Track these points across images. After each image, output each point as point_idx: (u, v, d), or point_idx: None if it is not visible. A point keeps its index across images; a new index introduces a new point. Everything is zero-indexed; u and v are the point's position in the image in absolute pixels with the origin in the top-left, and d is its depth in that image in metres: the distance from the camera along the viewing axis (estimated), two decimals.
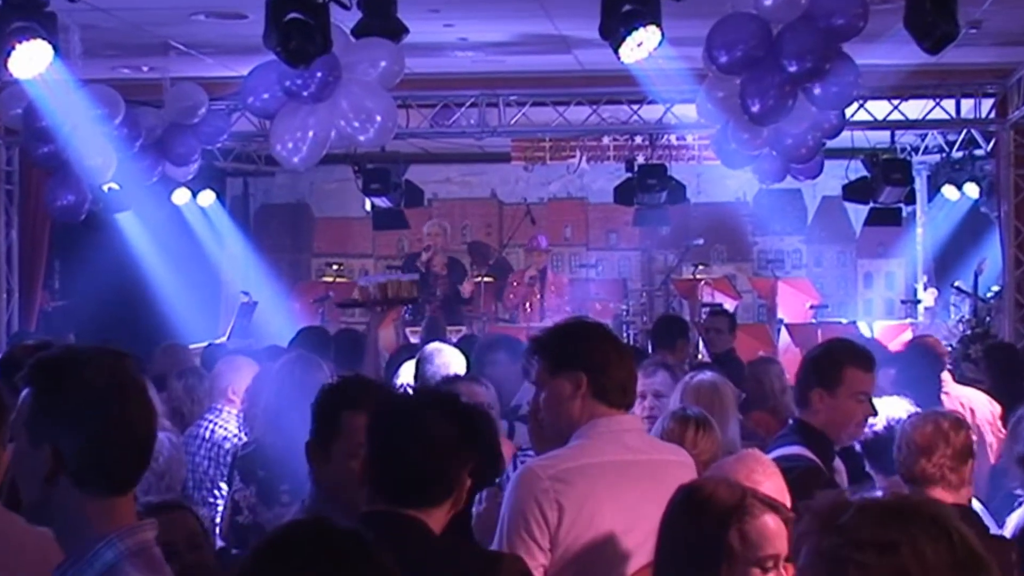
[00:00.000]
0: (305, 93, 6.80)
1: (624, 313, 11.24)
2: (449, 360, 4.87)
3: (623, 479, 2.59)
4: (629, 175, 10.46)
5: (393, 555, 1.39)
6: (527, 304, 10.75)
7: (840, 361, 3.32)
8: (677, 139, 11.61)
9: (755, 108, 7.04)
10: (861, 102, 9.46)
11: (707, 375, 4.12)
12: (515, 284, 10.89)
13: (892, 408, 3.63)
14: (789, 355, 8.66)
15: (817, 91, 7.14)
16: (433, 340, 6.02)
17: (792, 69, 6.80)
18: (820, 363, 3.34)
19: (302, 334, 6.31)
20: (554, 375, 2.65)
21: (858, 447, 3.60)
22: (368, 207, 10.96)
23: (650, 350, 6.73)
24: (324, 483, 2.55)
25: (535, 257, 10.97)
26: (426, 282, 10.20)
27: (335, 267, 12.06)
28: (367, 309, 9.07)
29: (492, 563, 2.30)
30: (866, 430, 3.48)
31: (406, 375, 5.26)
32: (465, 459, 2.25)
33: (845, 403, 3.29)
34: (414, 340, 8.57)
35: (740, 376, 5.58)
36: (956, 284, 11.09)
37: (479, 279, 11.21)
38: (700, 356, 9.23)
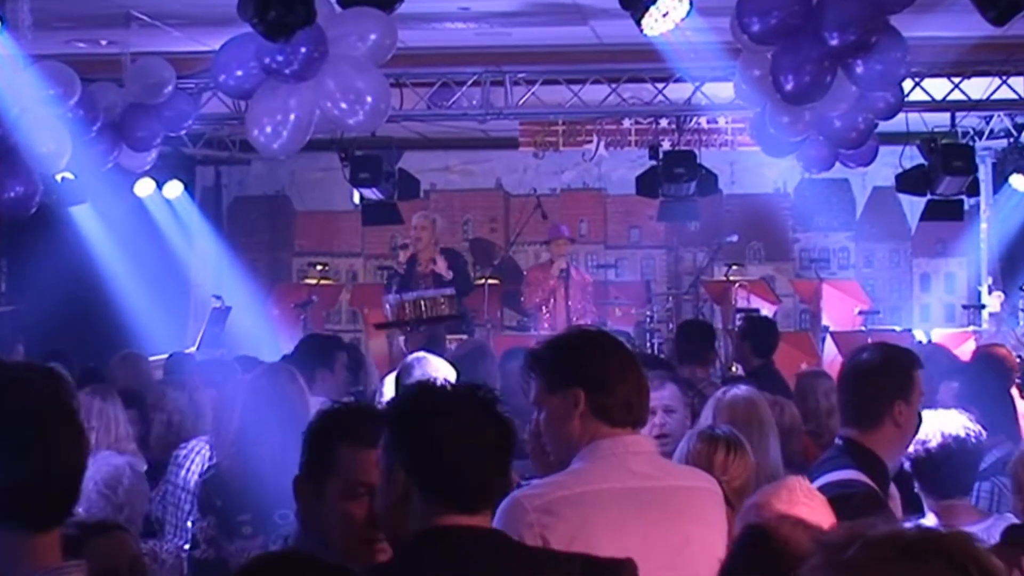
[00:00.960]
0: (287, 71, 6.81)
1: (648, 320, 11.27)
2: (434, 372, 4.90)
3: (626, 509, 2.57)
4: (653, 163, 10.48)
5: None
6: (550, 306, 10.70)
7: (908, 367, 3.31)
8: (708, 122, 11.61)
9: (788, 86, 7.02)
10: (917, 80, 9.45)
11: (742, 389, 4.09)
12: (538, 280, 10.74)
13: (946, 422, 3.59)
14: (834, 368, 8.64)
15: (860, 69, 7.09)
16: (431, 351, 6.04)
17: (833, 42, 6.75)
18: (895, 370, 3.30)
19: (306, 344, 6.36)
20: (551, 392, 2.67)
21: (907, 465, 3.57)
22: (357, 200, 10.99)
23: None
24: (313, 525, 2.47)
25: (558, 248, 10.77)
26: (405, 285, 10.10)
27: (319, 267, 12.08)
28: (405, 329, 9.14)
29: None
30: (916, 447, 3.46)
31: (388, 389, 5.31)
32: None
33: (916, 415, 3.30)
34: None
35: (780, 392, 5.57)
36: None
37: (483, 281, 11.24)
38: (734, 369, 9.25)
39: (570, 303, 10.53)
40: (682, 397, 4.47)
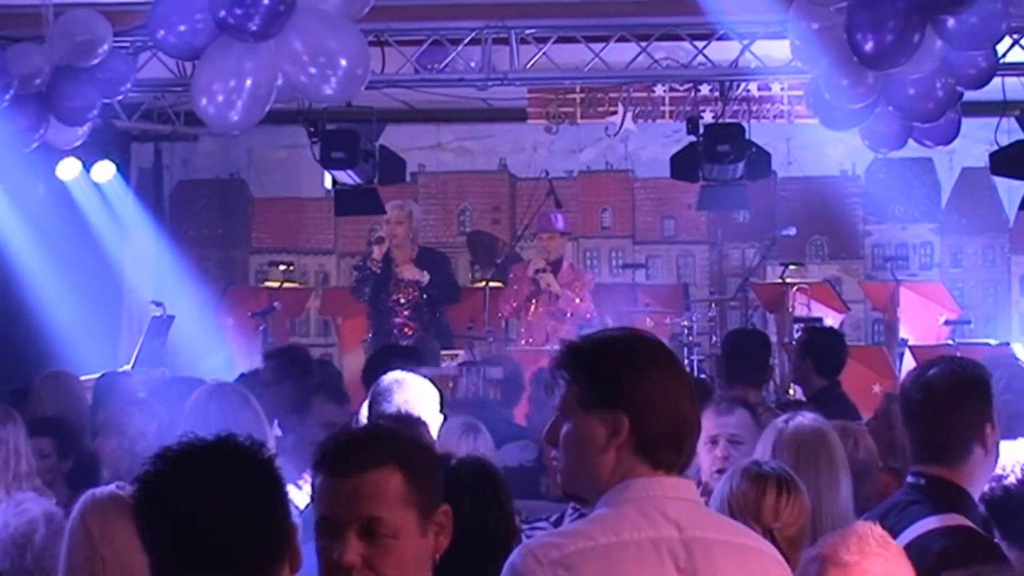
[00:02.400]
0: (245, 27, 6.82)
1: (685, 333, 11.29)
2: (413, 396, 4.91)
3: (659, 566, 2.52)
4: (692, 139, 10.48)
5: None
6: (525, 314, 10.76)
7: (986, 380, 3.39)
8: (759, 89, 11.62)
9: (868, 46, 7.03)
10: (1016, 38, 9.44)
11: (807, 418, 4.09)
12: (514, 284, 10.86)
13: None
14: None
15: (951, 23, 7.10)
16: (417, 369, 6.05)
17: None
18: (976, 387, 3.36)
19: (278, 358, 6.31)
20: (587, 409, 2.61)
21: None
22: (328, 184, 11.02)
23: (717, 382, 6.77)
24: None
25: (546, 243, 10.84)
26: (381, 288, 10.16)
27: (283, 268, 12.08)
28: None
29: None
30: (991, 484, 3.47)
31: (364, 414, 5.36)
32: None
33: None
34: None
35: (849, 419, 5.58)
36: None
37: (483, 285, 11.26)
38: (791, 391, 9.23)
39: (556, 314, 10.55)
40: (753, 427, 4.53)
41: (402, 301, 10.31)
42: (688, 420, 2.63)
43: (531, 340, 10.55)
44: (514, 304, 10.77)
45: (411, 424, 4.06)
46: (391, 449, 2.57)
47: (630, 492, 2.57)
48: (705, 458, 4.58)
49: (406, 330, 10.21)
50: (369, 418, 5.01)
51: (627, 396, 2.58)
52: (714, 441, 4.56)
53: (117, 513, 3.33)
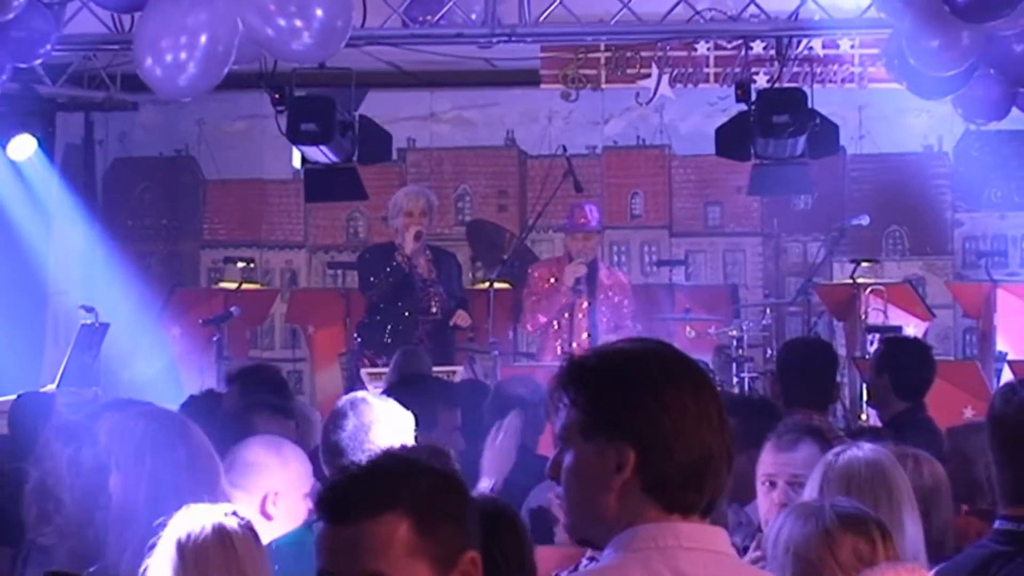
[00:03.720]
0: None
1: (733, 345, 11.29)
2: (378, 418, 4.94)
3: None
4: (742, 108, 10.48)
5: None
6: (557, 325, 10.86)
7: None
8: (825, 47, 11.62)
9: None
10: None
11: (864, 450, 4.13)
12: (538, 284, 10.94)
13: None
14: None
15: None
16: (409, 389, 6.04)
17: None
18: None
19: (245, 381, 6.31)
20: (587, 437, 2.63)
21: None
22: (297, 163, 11.00)
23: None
24: None
25: (578, 243, 10.97)
26: (412, 292, 10.35)
27: (241, 265, 12.12)
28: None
29: None
30: None
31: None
32: None
33: None
34: None
35: (934, 451, 5.57)
36: None
37: (486, 286, 11.29)
38: (864, 416, 9.21)
39: (596, 322, 10.71)
40: None
41: (434, 309, 10.57)
42: (712, 454, 2.61)
43: (561, 353, 10.54)
44: (543, 319, 10.85)
45: (434, 456, 4.10)
46: (396, 490, 2.58)
47: (636, 541, 2.57)
48: (762, 502, 4.61)
49: (425, 338, 10.39)
50: (325, 442, 5.05)
51: (633, 424, 2.58)
52: (772, 482, 4.57)
53: None
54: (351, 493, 2.58)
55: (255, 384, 7.03)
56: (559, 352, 10.60)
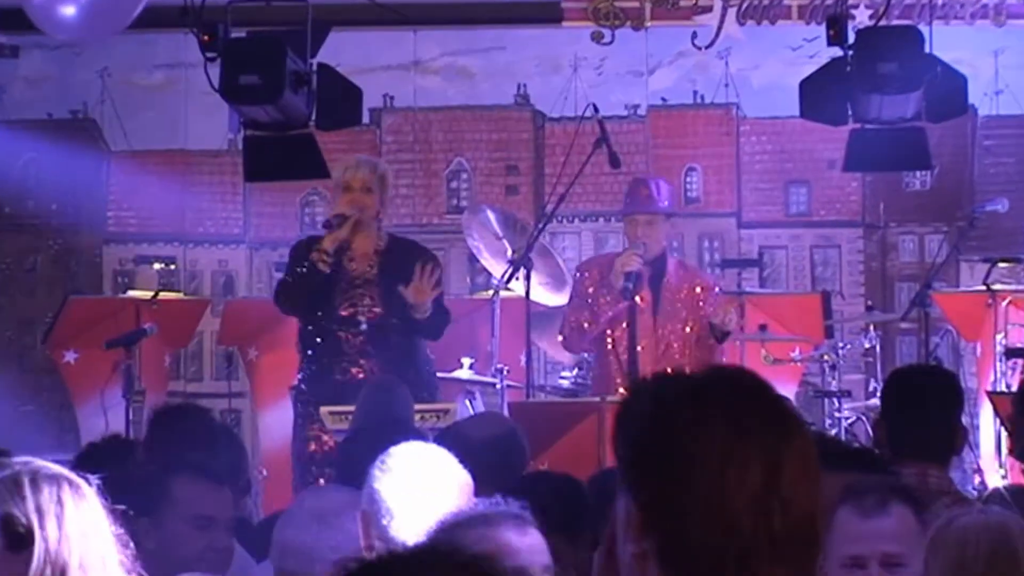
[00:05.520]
0: None
1: (825, 373, 11.35)
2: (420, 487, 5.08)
3: None
4: (836, 54, 10.49)
5: None
6: (611, 343, 10.81)
7: None
8: None
9: None
10: None
11: (988, 514, 4.11)
12: (586, 291, 10.90)
13: None
14: None
15: None
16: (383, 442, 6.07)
17: None
18: None
19: (168, 424, 6.31)
20: (621, 489, 2.81)
21: None
22: (234, 129, 11.00)
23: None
24: None
25: (637, 228, 10.86)
26: (328, 299, 10.23)
27: (158, 266, 12.26)
28: None
29: None
30: None
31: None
32: None
33: None
34: None
35: None
36: None
37: (488, 295, 11.41)
38: (1004, 472, 9.19)
39: (662, 339, 10.65)
40: (920, 533, 4.58)
41: (359, 320, 10.36)
42: (746, 530, 2.68)
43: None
44: (588, 330, 10.75)
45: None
46: None
47: None
48: None
49: (355, 371, 10.20)
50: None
51: (649, 482, 2.73)
52: (859, 564, 4.59)
53: None
54: None
55: (177, 432, 7.01)
56: (617, 382, 10.58)
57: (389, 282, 10.28)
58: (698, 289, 10.84)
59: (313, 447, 10.07)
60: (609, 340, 10.76)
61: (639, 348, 10.66)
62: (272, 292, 10.87)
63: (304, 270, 10.29)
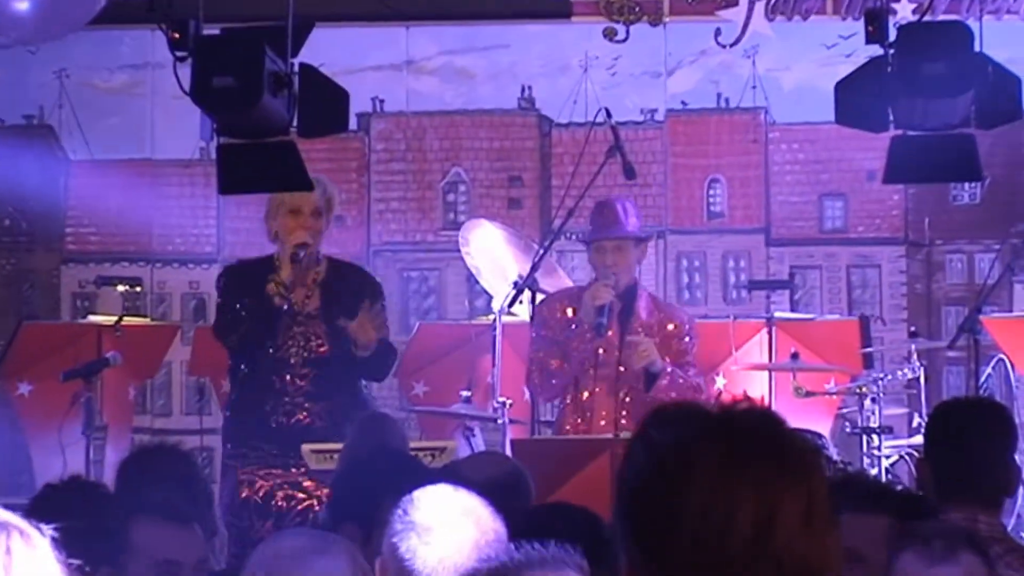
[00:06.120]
0: None
1: (864, 405, 11.35)
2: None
3: None
4: (875, 52, 10.50)
5: None
6: (577, 393, 10.84)
7: None
8: None
9: None
10: None
11: None
12: (550, 326, 10.92)
13: None
14: None
15: None
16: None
17: None
18: None
19: (143, 466, 6.34)
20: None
21: None
22: (207, 136, 11.02)
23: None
24: None
25: (606, 256, 10.85)
26: (272, 336, 10.27)
27: (122, 288, 12.31)
28: None
29: None
30: None
31: None
32: None
33: None
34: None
35: None
36: None
37: (487, 320, 11.39)
38: None
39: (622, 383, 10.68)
40: None
41: (304, 361, 10.37)
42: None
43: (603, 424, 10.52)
44: (559, 372, 10.74)
45: None
46: None
47: None
48: None
49: (301, 416, 10.21)
50: None
51: (635, 529, 2.87)
52: None
53: None
54: None
55: (149, 473, 7.01)
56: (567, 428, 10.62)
57: (332, 317, 10.31)
58: (670, 327, 10.82)
59: (246, 493, 10.03)
60: (574, 385, 10.79)
61: (595, 390, 10.68)
62: (213, 326, 10.74)
63: (254, 304, 10.27)
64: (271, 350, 10.25)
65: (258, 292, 10.32)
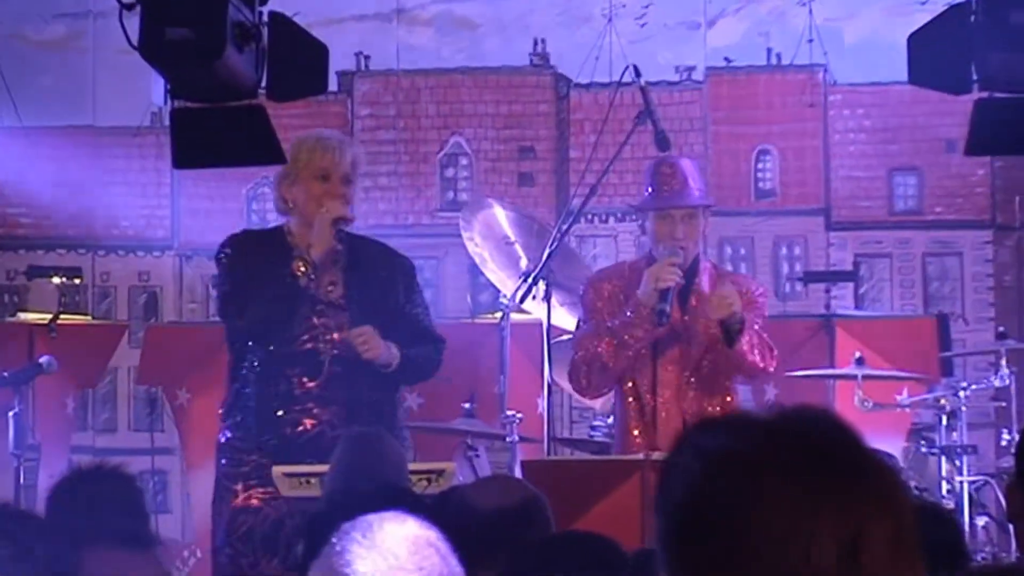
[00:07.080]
0: None
1: (943, 421, 11.38)
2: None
3: None
4: (958, 0, 10.50)
5: None
6: (632, 382, 10.90)
7: None
8: None
9: None
10: None
11: None
12: (597, 308, 10.95)
13: None
14: None
15: None
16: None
17: None
18: None
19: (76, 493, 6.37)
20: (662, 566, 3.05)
21: None
22: (159, 98, 11.04)
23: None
24: None
25: (669, 227, 10.91)
26: (288, 324, 10.32)
27: (58, 280, 12.35)
28: None
29: None
30: None
31: None
32: None
33: None
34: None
35: None
36: None
37: (497, 317, 11.47)
38: None
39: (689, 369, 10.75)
40: None
41: (320, 359, 10.38)
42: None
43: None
44: (614, 357, 10.72)
45: None
46: None
47: None
48: None
49: (309, 422, 10.19)
50: None
51: (692, 562, 2.98)
52: None
53: None
54: None
55: (91, 497, 7.05)
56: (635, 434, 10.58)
57: (360, 304, 10.30)
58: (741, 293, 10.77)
59: (249, 523, 10.02)
60: (628, 381, 10.75)
61: (659, 385, 10.68)
62: (219, 308, 10.78)
63: (270, 282, 10.27)
64: (287, 343, 10.26)
65: (273, 269, 10.39)
